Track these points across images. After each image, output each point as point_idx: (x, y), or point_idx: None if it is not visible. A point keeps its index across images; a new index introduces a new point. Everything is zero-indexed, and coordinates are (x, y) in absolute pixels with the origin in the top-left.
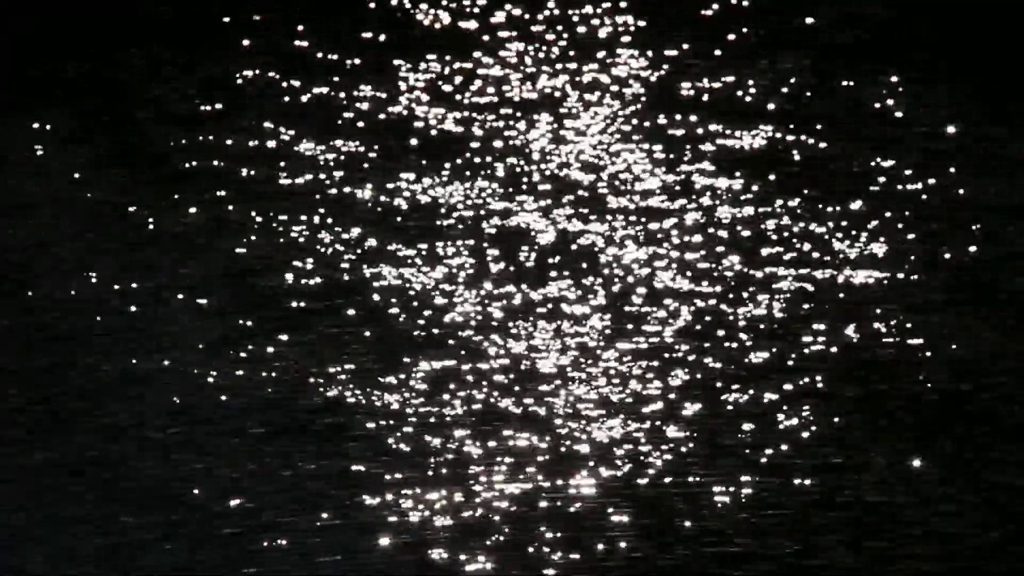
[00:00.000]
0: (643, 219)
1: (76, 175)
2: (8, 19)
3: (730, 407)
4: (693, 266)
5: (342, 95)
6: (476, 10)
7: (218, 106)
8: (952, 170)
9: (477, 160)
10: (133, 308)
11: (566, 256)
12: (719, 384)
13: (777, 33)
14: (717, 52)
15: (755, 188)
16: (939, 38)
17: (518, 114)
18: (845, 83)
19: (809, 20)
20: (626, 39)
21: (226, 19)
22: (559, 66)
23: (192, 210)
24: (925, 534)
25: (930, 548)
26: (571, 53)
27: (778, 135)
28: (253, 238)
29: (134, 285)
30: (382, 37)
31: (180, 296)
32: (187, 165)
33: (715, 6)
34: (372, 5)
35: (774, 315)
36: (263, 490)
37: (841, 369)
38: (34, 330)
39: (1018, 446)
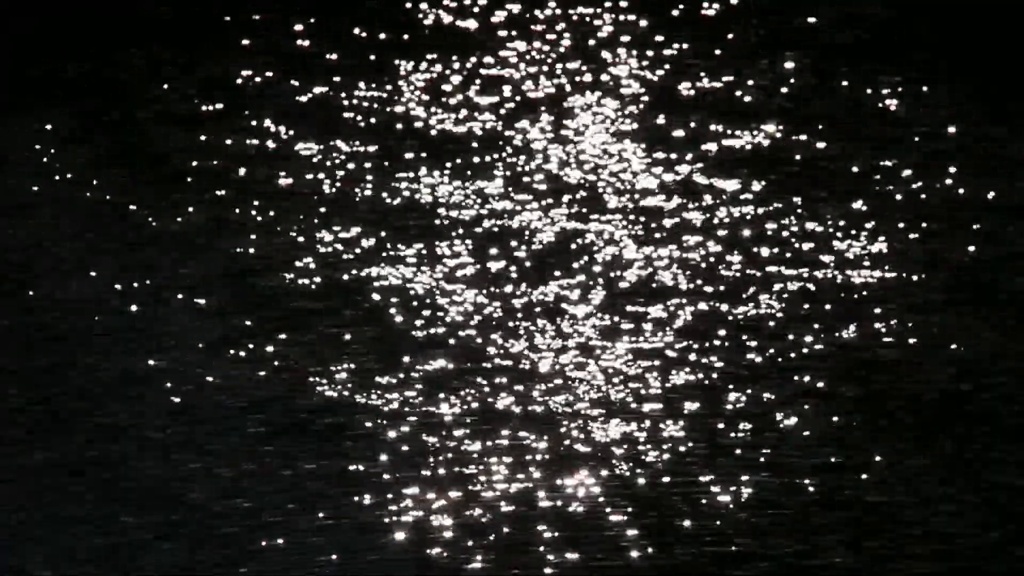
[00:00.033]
0: (643, 219)
1: (76, 175)
2: (8, 19)
3: (730, 407)
4: (693, 266)
5: (342, 95)
6: (476, 9)
7: (218, 106)
8: (952, 170)
9: (477, 160)
10: (133, 308)
11: (566, 256)
12: (719, 384)
13: (777, 33)
14: (717, 52)
15: (755, 188)
16: (939, 38)
17: (518, 114)
18: (845, 83)
19: (809, 20)
20: (626, 39)
21: (226, 19)
22: (559, 66)
23: (192, 210)
24: (925, 534)
25: (930, 548)
26: (571, 53)
27: (778, 135)
28: (253, 238)
29: (134, 285)
30: (382, 37)
31: (180, 296)
32: (187, 165)
33: (715, 6)
34: (372, 5)
35: (774, 315)
36: (263, 490)
37: (841, 369)
38: (34, 330)
39: (1018, 446)
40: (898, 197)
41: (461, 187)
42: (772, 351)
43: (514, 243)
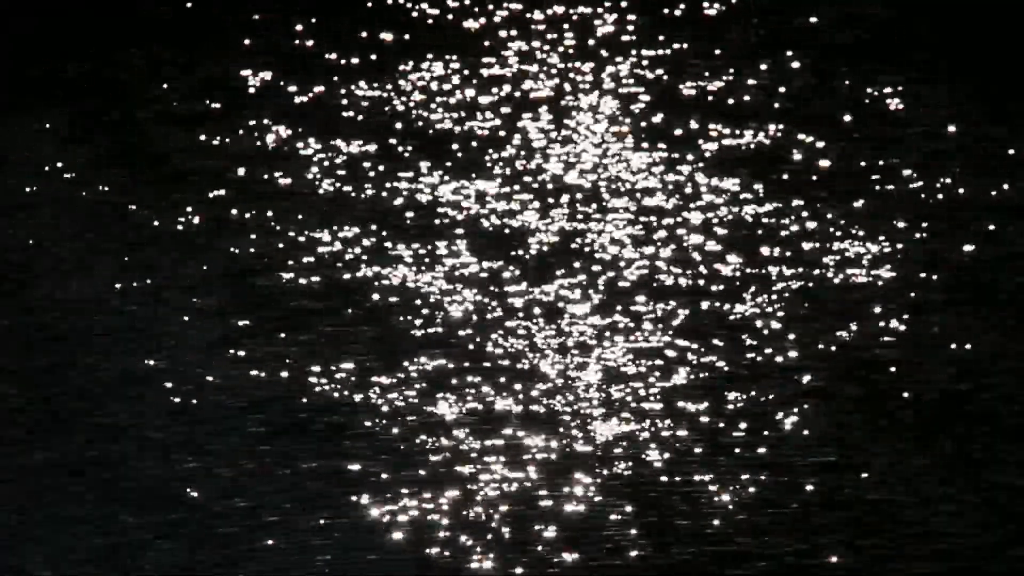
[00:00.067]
0: (643, 219)
1: (76, 175)
2: (8, 19)
3: (730, 407)
4: (693, 265)
5: (342, 95)
6: (477, 9)
7: (218, 106)
8: (952, 170)
9: (477, 160)
10: (133, 308)
11: (566, 255)
12: (719, 384)
13: (777, 33)
14: (717, 52)
15: (755, 188)
16: (939, 38)
17: (518, 114)
18: (845, 83)
19: (809, 20)
20: (626, 39)
21: (226, 19)
22: (559, 66)
23: (192, 210)
24: (925, 534)
25: (930, 548)
26: (571, 52)
27: (778, 135)
28: (253, 238)
29: (134, 285)
30: (382, 37)
31: (180, 296)
32: (187, 165)
33: (715, 6)
34: (372, 5)
35: (774, 315)
36: (262, 489)
37: (841, 369)
38: (34, 330)
39: (1018, 446)
40: (898, 197)
41: (461, 187)
42: (772, 351)
43: (514, 243)
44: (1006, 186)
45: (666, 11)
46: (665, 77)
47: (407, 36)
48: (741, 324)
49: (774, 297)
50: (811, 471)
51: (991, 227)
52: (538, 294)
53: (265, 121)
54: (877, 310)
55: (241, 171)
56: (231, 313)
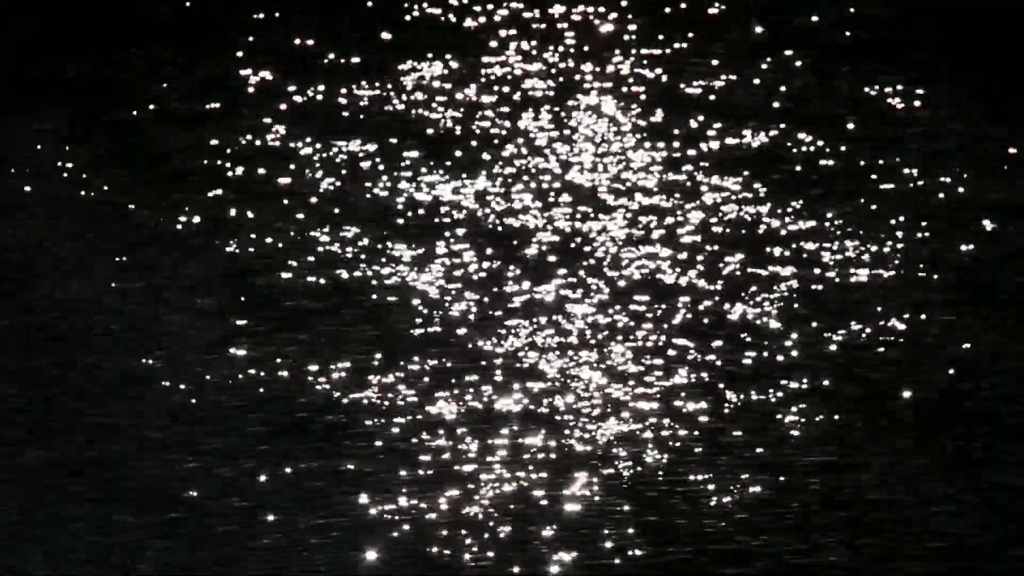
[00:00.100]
0: (643, 218)
1: (76, 175)
2: (8, 19)
3: (730, 406)
4: (693, 265)
5: (342, 95)
6: (477, 8)
7: (218, 106)
8: (952, 170)
9: (477, 159)
10: (133, 308)
11: (566, 255)
12: (719, 383)
13: (777, 33)
14: (717, 52)
15: (755, 188)
16: (939, 38)
17: (518, 113)
18: (845, 83)
19: (809, 20)
20: (627, 38)
21: (226, 19)
22: (560, 65)
23: (192, 210)
24: (925, 534)
25: (930, 548)
26: (572, 52)
27: (778, 135)
28: (253, 238)
29: (134, 285)
30: (382, 36)
31: (180, 296)
32: (187, 165)
33: (715, 6)
34: (372, 5)
35: (774, 314)
36: (262, 489)
37: (841, 369)
38: (34, 330)
39: (1018, 446)
40: (898, 197)
41: (461, 187)
42: (772, 350)
43: (514, 243)
44: (1006, 186)
45: (666, 11)
46: (665, 77)
47: (407, 36)
48: (741, 324)
49: (774, 297)
50: (811, 471)
51: (991, 227)
52: (538, 294)
53: (265, 121)
54: (877, 310)
55: (241, 171)
56: (231, 313)
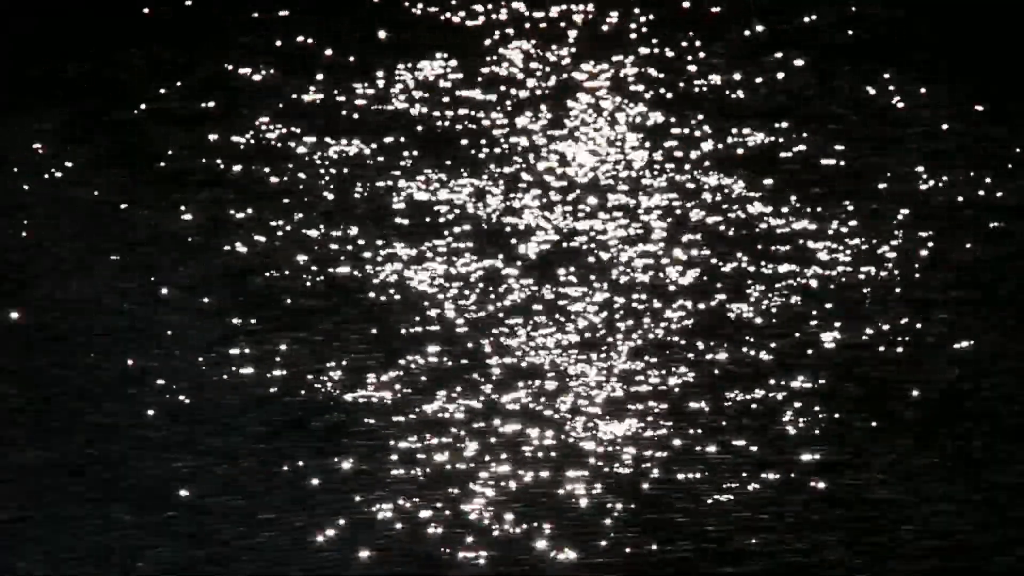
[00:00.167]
0: (644, 218)
1: (76, 175)
2: (8, 19)
3: (731, 405)
4: (693, 265)
5: (342, 95)
6: (477, 8)
7: (217, 105)
8: (952, 170)
9: (477, 159)
10: (133, 308)
11: (566, 254)
12: (720, 382)
13: (777, 33)
14: (718, 52)
15: (755, 188)
16: (939, 38)
17: (518, 113)
18: (845, 83)
19: (809, 20)
20: (627, 38)
21: (226, 19)
22: (560, 65)
23: (191, 210)
24: (925, 533)
25: (930, 547)
26: (572, 52)
27: (778, 135)
28: (253, 238)
29: (134, 285)
30: (382, 36)
31: (180, 296)
32: (187, 165)
33: (717, 6)
34: (371, 4)
35: (775, 314)
36: (261, 488)
37: (841, 368)
38: (34, 330)
39: (1018, 446)
40: (898, 197)
41: (460, 186)
42: (773, 350)
43: (514, 242)
44: (1006, 186)
45: (667, 10)
46: (665, 76)
47: (407, 35)
48: (742, 323)
49: (775, 296)
50: (811, 470)
51: (991, 227)
52: (538, 292)
53: (264, 120)
54: (877, 310)
55: (240, 171)
56: (230, 312)
